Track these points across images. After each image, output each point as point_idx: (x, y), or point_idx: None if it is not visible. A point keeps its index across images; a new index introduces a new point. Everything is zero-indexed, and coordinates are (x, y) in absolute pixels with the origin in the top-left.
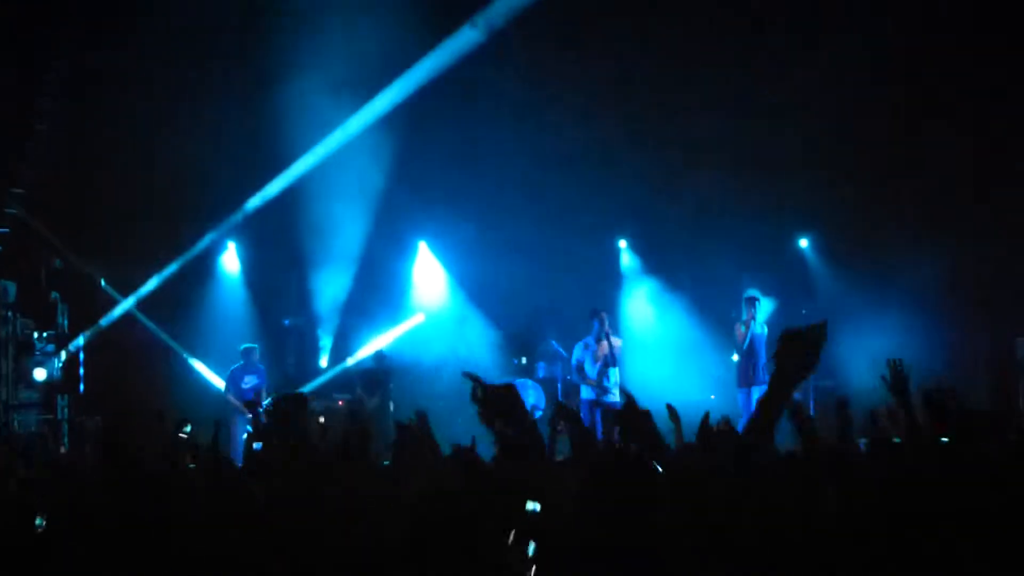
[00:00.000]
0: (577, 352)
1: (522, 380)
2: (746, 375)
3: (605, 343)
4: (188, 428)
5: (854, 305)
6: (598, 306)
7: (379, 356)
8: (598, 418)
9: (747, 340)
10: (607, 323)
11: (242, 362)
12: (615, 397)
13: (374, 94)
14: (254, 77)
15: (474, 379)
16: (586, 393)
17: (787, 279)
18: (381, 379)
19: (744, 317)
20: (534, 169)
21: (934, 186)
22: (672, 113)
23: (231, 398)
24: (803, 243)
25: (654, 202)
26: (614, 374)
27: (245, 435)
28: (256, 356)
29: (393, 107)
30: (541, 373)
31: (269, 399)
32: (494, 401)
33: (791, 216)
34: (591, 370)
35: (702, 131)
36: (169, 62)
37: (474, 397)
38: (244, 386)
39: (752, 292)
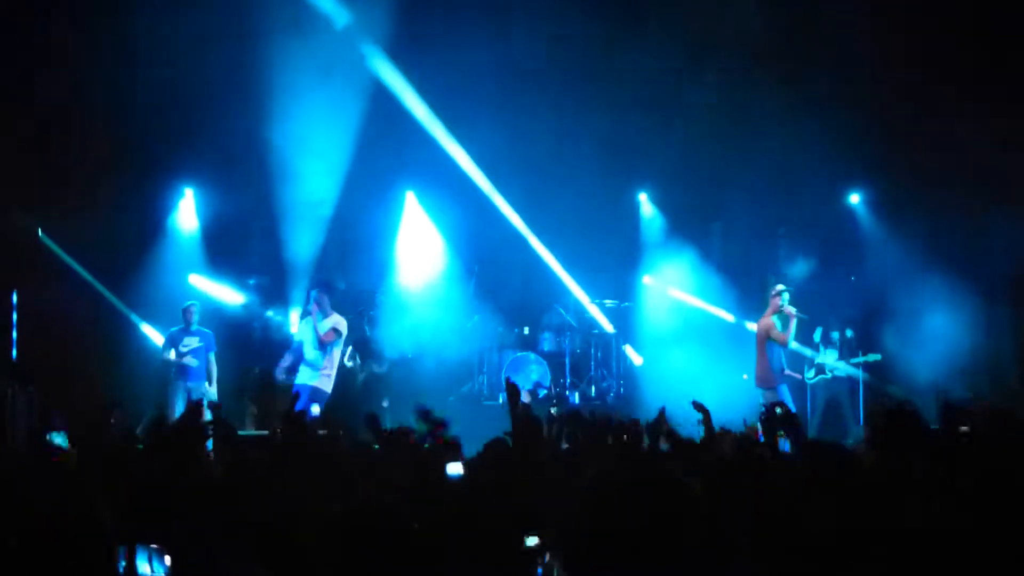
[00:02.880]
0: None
1: (524, 354)
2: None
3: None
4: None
5: (910, 272)
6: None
7: (370, 320)
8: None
9: (791, 339)
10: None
11: (182, 324)
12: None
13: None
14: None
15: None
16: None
17: (833, 241)
18: (372, 348)
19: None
20: (539, 108)
21: (1005, 139)
22: (703, 46)
23: (170, 359)
24: (854, 199)
25: (678, 150)
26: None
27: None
28: (196, 316)
29: (376, 30)
30: (546, 346)
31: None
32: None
33: (840, 168)
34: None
35: (734, 68)
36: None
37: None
38: (183, 349)
39: (779, 286)
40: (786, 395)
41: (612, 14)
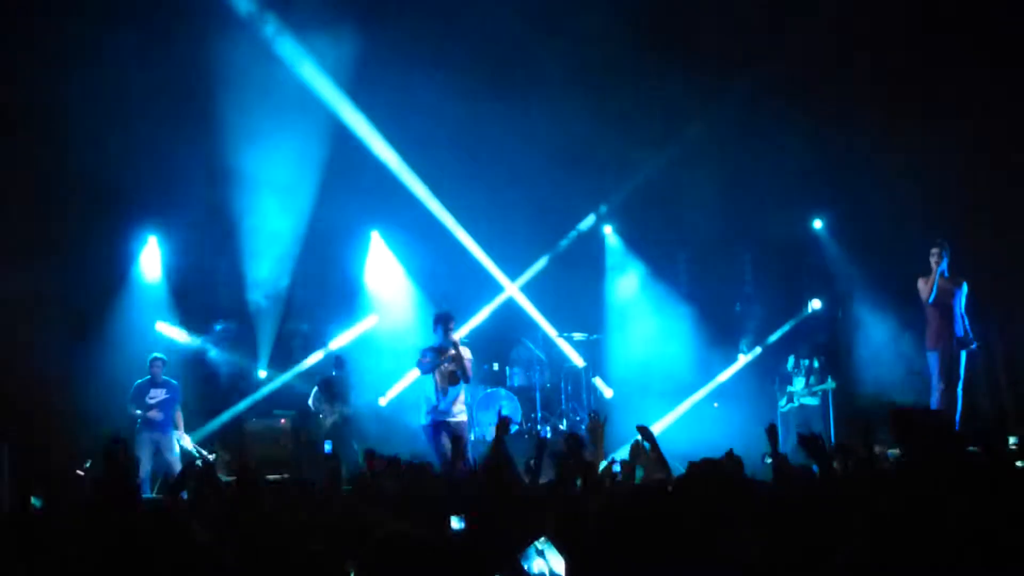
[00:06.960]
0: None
1: (494, 390)
2: (933, 335)
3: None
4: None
5: (876, 300)
6: (447, 309)
7: (338, 361)
8: (443, 440)
9: (932, 295)
10: (453, 330)
11: (148, 375)
12: (457, 416)
13: (316, 49)
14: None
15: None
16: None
17: (796, 268)
18: (340, 390)
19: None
20: (503, 143)
21: (973, 158)
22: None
23: (136, 412)
24: (817, 224)
25: (642, 180)
26: (455, 391)
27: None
28: (163, 368)
29: (337, 70)
30: (516, 381)
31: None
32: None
33: (802, 193)
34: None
35: (690, 87)
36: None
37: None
38: (150, 400)
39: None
40: (933, 363)
41: (573, 49)
